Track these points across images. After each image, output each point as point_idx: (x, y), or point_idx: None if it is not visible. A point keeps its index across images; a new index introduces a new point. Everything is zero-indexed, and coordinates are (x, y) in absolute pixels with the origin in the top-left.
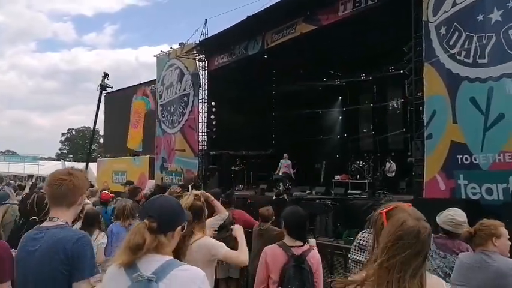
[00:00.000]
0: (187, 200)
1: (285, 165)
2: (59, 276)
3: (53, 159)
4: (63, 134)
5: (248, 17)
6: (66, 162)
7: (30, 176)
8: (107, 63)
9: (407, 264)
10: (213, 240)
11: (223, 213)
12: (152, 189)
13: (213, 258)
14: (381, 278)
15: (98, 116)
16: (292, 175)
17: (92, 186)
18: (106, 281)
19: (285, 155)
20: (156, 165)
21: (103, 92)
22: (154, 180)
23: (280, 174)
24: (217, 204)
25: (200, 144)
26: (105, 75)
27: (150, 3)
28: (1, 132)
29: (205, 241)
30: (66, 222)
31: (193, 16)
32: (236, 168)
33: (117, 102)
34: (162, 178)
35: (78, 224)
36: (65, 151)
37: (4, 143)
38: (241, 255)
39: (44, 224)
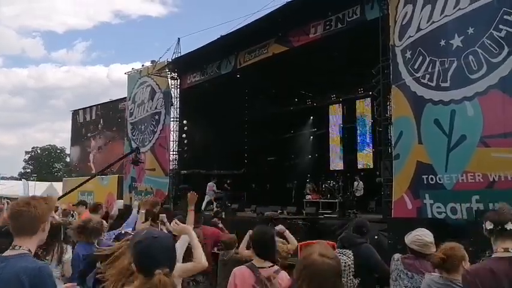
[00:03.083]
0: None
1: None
2: None
3: (16, 179)
4: (27, 152)
5: (221, 36)
6: (29, 181)
7: None
8: (78, 80)
9: None
10: None
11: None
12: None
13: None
14: None
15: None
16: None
17: (56, 209)
18: None
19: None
20: (124, 184)
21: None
22: (122, 200)
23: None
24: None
25: (171, 163)
26: (137, 149)
27: (123, 21)
28: None
29: None
30: (29, 250)
31: (167, 35)
32: (222, 194)
33: (84, 121)
34: (130, 198)
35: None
36: (28, 170)
37: None
38: (197, 260)
39: (6, 253)
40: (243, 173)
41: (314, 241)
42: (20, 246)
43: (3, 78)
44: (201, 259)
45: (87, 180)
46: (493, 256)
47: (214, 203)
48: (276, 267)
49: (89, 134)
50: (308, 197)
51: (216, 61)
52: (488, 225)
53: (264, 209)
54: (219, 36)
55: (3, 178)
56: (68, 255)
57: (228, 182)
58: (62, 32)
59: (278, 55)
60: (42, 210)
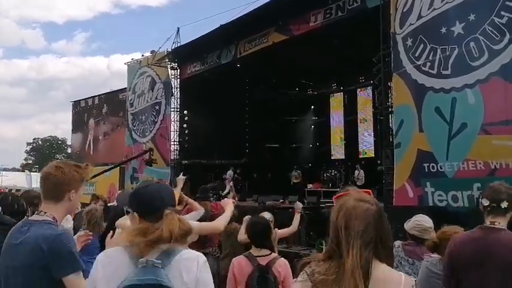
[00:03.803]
0: None
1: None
2: (36, 272)
3: (18, 170)
4: (28, 143)
5: (221, 25)
6: (31, 173)
7: None
8: (78, 71)
9: (350, 242)
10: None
11: (199, 210)
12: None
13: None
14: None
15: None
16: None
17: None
18: (104, 263)
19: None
20: (126, 175)
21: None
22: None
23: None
24: (191, 202)
25: (172, 153)
26: (150, 150)
27: (123, 11)
28: None
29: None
30: (54, 218)
31: (166, 24)
32: (214, 184)
33: (85, 112)
34: (132, 189)
35: None
36: (30, 161)
37: None
38: (218, 221)
39: (32, 217)
40: (244, 162)
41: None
42: (45, 212)
43: (4, 70)
44: (221, 223)
45: (107, 170)
46: (478, 226)
47: (231, 193)
48: (274, 255)
49: (91, 120)
50: (310, 186)
51: (216, 50)
52: (485, 202)
53: (266, 199)
54: (218, 26)
55: (5, 169)
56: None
57: (238, 171)
58: (62, 23)
59: (278, 44)
60: (71, 176)
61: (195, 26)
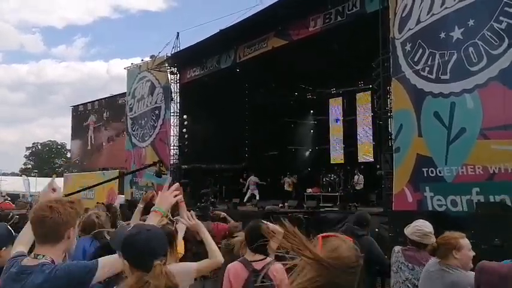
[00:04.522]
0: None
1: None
2: None
3: (17, 175)
4: (28, 148)
5: (220, 30)
6: (29, 177)
7: None
8: (77, 76)
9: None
10: (179, 264)
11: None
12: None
13: (187, 283)
14: None
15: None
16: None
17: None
18: None
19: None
20: (125, 179)
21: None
22: (123, 196)
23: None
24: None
25: (172, 158)
26: (159, 162)
27: (122, 16)
28: None
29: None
30: (52, 260)
31: (166, 29)
32: (207, 190)
33: (84, 116)
34: (131, 193)
35: None
36: (29, 166)
37: None
38: (213, 257)
39: (28, 263)
40: (243, 166)
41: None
42: (43, 256)
43: (3, 74)
44: (217, 255)
45: (111, 180)
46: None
47: (257, 196)
48: (268, 259)
49: (89, 126)
50: (309, 190)
51: (216, 55)
52: None
53: (265, 203)
54: (218, 30)
55: (4, 174)
56: None
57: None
58: (62, 28)
59: (278, 48)
60: (68, 215)
61: (194, 31)
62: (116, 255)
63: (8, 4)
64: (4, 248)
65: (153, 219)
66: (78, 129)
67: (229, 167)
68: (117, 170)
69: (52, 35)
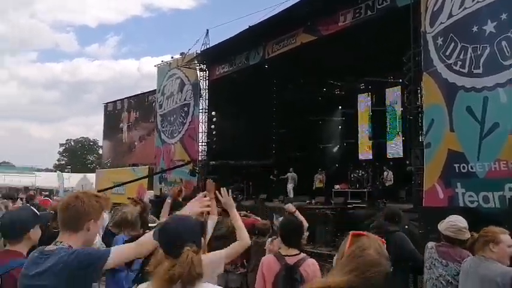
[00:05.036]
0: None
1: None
2: None
3: (51, 170)
4: (61, 144)
5: (250, 27)
6: (63, 173)
7: (26, 188)
8: (109, 74)
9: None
10: (210, 254)
11: (213, 216)
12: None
13: (218, 271)
14: None
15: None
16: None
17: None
18: None
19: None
20: (155, 175)
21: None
22: (153, 191)
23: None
24: (214, 206)
25: (200, 154)
26: (191, 162)
27: (153, 15)
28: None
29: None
30: (70, 247)
31: (196, 27)
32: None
33: (116, 114)
34: (160, 189)
35: None
36: (63, 162)
37: (1, 154)
38: (241, 239)
39: (49, 248)
40: (271, 162)
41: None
42: (61, 242)
43: (38, 73)
44: (245, 236)
45: (142, 178)
46: None
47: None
48: (302, 255)
49: (120, 125)
50: (337, 186)
51: (245, 52)
52: None
53: (292, 199)
54: (247, 27)
55: (39, 170)
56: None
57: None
58: (95, 26)
59: (306, 44)
60: (90, 207)
61: (223, 28)
62: (128, 245)
63: (43, 4)
64: (32, 230)
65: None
66: (110, 128)
67: (257, 163)
68: (147, 166)
69: (85, 34)
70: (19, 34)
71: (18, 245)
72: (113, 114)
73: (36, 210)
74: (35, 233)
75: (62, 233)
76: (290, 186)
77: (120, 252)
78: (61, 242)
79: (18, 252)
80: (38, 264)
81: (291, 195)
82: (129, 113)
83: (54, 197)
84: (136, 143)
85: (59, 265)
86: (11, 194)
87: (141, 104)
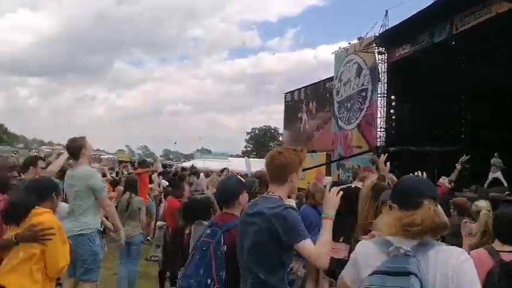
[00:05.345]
0: (369, 180)
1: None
2: (268, 239)
3: (240, 156)
4: (247, 133)
5: (435, 1)
6: (250, 159)
7: (222, 171)
8: (287, 65)
9: None
10: None
11: None
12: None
13: None
14: None
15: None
16: None
17: None
18: (358, 255)
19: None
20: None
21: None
22: (330, 177)
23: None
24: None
25: (378, 140)
26: (372, 150)
27: (329, 2)
28: (199, 132)
29: None
30: (280, 197)
31: (373, 9)
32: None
33: (295, 104)
34: (338, 175)
35: None
36: (249, 148)
37: (201, 141)
38: None
39: (264, 194)
40: (459, 149)
41: None
42: (273, 192)
43: (228, 69)
44: None
45: (321, 165)
46: None
47: (505, 182)
48: None
49: (299, 115)
50: None
51: (428, 30)
52: None
53: (488, 190)
54: (431, 3)
55: (230, 155)
56: None
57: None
58: (275, 21)
59: (503, 14)
60: (291, 160)
61: (404, 7)
62: (317, 247)
63: (232, 8)
64: (240, 196)
65: (327, 227)
66: (290, 117)
67: (442, 150)
68: (324, 153)
69: (267, 30)
70: (212, 36)
71: (232, 209)
72: (292, 105)
73: (241, 178)
74: (244, 198)
75: (271, 185)
76: (498, 174)
77: (308, 248)
78: (272, 193)
79: (235, 215)
80: (255, 205)
81: (505, 183)
82: (307, 104)
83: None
84: (314, 132)
85: (270, 210)
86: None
87: (318, 92)
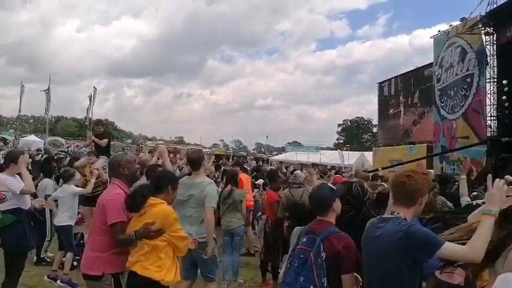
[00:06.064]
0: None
1: None
2: (396, 257)
3: (331, 149)
4: (339, 125)
5: None
6: (343, 151)
7: (314, 165)
8: (380, 53)
9: None
10: None
11: None
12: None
13: None
14: None
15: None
16: None
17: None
18: None
19: None
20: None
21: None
22: (432, 171)
23: None
24: None
25: (489, 130)
26: (486, 141)
27: None
28: (290, 124)
29: None
30: (405, 219)
31: None
32: None
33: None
34: (442, 168)
35: None
36: (341, 141)
37: (292, 134)
38: None
39: (386, 216)
40: None
41: None
42: (398, 213)
43: (317, 61)
44: None
45: (420, 159)
46: None
47: None
48: None
49: (395, 107)
50: None
51: None
52: None
53: None
54: None
55: (322, 148)
56: None
57: None
58: (365, 8)
59: None
60: (422, 184)
61: None
62: (462, 247)
63: None
64: (334, 204)
65: (485, 224)
66: (385, 108)
67: None
68: (424, 144)
69: (356, 18)
70: (300, 28)
71: (327, 216)
72: (386, 97)
73: (332, 186)
74: (337, 205)
75: (395, 205)
76: None
77: (451, 251)
78: (398, 213)
79: (330, 222)
80: (379, 227)
81: None
82: (404, 95)
83: (344, 174)
84: (412, 125)
85: (400, 233)
86: (324, 171)
87: (414, 81)
